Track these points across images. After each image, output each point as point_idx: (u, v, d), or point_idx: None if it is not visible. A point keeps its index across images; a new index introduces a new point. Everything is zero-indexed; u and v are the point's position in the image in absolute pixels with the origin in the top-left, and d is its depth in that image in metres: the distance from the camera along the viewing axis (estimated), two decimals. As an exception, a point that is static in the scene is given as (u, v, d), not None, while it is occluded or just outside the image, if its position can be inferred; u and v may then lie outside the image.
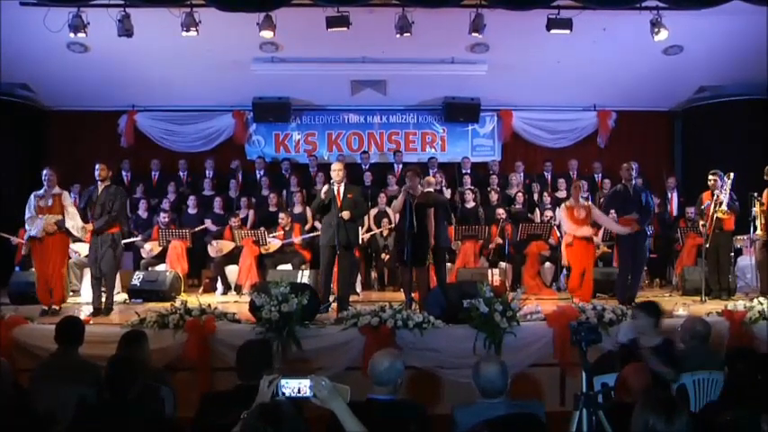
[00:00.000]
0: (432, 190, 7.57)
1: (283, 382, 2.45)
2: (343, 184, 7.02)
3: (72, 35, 7.95)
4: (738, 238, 8.30)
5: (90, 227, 6.99)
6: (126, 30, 7.84)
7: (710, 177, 7.93)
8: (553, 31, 8.18)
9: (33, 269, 8.37)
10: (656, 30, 8.14)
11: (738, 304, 6.30)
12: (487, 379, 3.10)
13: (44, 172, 7.14)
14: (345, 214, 6.79)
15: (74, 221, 7.00)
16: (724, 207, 7.65)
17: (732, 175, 7.77)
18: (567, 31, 8.18)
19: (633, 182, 7.59)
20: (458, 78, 10.52)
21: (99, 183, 7.12)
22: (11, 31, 8.39)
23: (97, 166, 7.14)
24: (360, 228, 8.79)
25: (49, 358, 4.31)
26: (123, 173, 10.99)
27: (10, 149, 10.18)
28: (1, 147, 10.04)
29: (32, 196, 7.10)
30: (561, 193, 10.40)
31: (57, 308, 6.97)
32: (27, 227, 7.10)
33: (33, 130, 10.84)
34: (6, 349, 5.39)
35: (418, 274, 6.94)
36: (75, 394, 3.41)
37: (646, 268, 9.50)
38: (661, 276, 9.79)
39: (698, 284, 7.89)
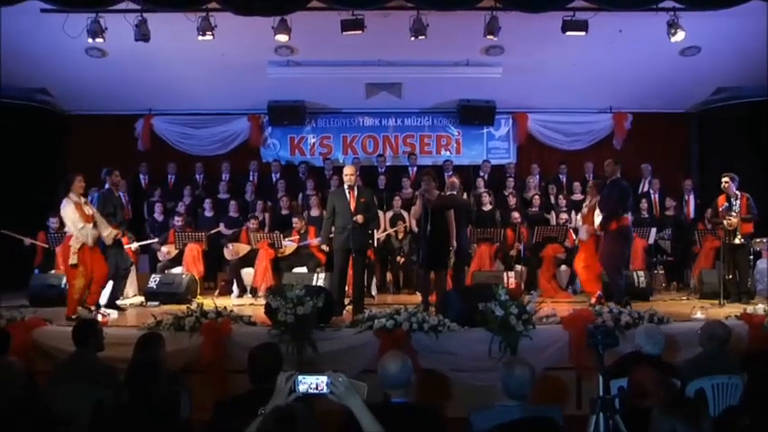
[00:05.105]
0: (455, 192, 7.56)
1: (300, 378, 2.46)
2: (356, 188, 7.04)
3: (90, 40, 8.01)
4: (757, 240, 8.21)
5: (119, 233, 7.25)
6: (143, 34, 7.90)
7: (723, 180, 7.91)
8: (568, 33, 8.15)
9: (53, 271, 8.53)
10: (673, 31, 8.07)
11: (758, 308, 6.23)
12: (519, 381, 3.08)
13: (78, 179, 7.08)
14: (359, 218, 6.83)
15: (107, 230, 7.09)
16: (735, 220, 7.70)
17: (745, 196, 7.83)
18: (583, 33, 8.15)
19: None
20: (472, 81, 10.50)
21: (113, 188, 7.43)
22: (30, 38, 8.53)
23: (116, 173, 7.50)
24: (375, 231, 8.80)
25: (66, 360, 4.35)
26: (140, 176, 11.10)
27: (29, 153, 10.30)
28: (20, 150, 10.16)
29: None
30: (577, 196, 10.35)
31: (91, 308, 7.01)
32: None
33: (52, 134, 10.97)
34: (25, 350, 5.45)
35: (436, 276, 6.92)
36: (92, 396, 3.44)
37: (663, 271, 9.47)
38: (678, 279, 9.69)
39: (716, 288, 7.82)
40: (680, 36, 8.12)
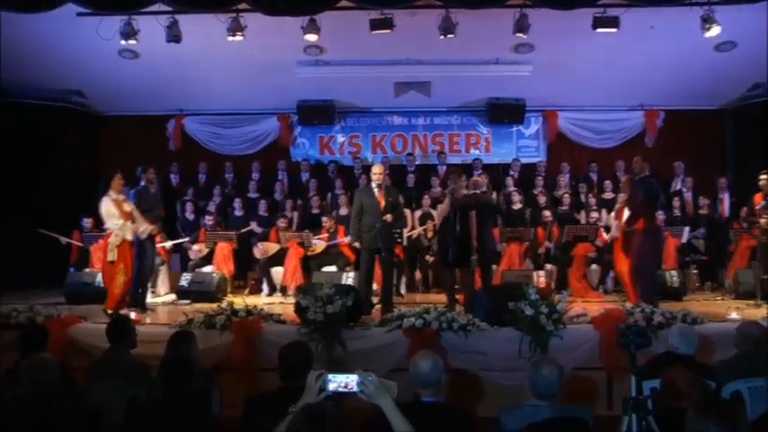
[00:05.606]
0: (479, 191, 7.53)
1: (330, 376, 2.47)
2: (384, 187, 7.04)
3: (123, 42, 8.15)
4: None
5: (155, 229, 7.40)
6: (174, 36, 8.01)
7: (762, 177, 7.74)
8: (599, 30, 8.06)
9: (88, 270, 8.69)
10: (708, 26, 7.91)
11: (796, 308, 6.10)
12: (547, 381, 3.06)
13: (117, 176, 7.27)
14: (389, 217, 6.83)
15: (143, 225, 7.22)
16: None
17: None
18: (614, 30, 8.04)
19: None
20: (502, 79, 10.43)
21: (148, 185, 7.55)
22: (66, 41, 8.70)
23: (151, 170, 7.61)
24: (403, 229, 8.79)
25: (101, 357, 4.43)
26: (171, 176, 11.23)
27: (65, 154, 10.54)
28: (56, 151, 10.40)
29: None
30: (607, 195, 10.21)
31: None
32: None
33: (87, 135, 11.17)
34: (62, 347, 5.56)
35: (462, 275, 6.89)
36: (125, 393, 3.49)
37: (696, 271, 9.29)
38: (712, 279, 9.49)
39: (752, 288, 7.67)
40: (715, 31, 7.96)
